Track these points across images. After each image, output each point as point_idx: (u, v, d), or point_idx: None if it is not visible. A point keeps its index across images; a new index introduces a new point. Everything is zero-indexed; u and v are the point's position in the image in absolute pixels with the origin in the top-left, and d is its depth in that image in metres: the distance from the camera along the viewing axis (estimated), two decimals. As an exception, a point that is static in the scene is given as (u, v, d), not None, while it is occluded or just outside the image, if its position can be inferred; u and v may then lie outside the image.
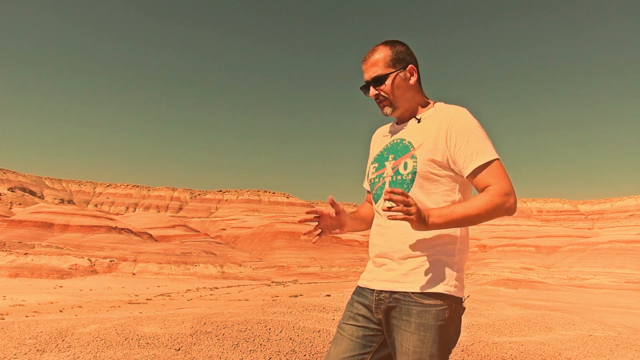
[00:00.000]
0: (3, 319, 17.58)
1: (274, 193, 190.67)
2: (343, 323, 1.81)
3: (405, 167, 1.74)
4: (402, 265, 1.71)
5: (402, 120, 1.85)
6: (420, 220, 1.55)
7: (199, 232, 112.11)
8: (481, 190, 1.66)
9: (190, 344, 4.58)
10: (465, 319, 6.01)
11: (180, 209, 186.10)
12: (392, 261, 1.73)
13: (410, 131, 1.79)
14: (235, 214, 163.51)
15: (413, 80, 1.80)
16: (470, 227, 1.76)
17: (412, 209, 1.53)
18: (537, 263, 79.28)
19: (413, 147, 1.74)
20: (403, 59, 1.79)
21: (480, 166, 1.66)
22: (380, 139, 1.93)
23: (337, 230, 1.87)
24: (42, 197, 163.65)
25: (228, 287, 62.88)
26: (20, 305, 39.41)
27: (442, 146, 1.70)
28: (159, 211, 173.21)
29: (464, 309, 1.72)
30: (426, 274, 1.67)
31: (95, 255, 68.32)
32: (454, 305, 1.67)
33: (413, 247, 1.69)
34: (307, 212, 1.84)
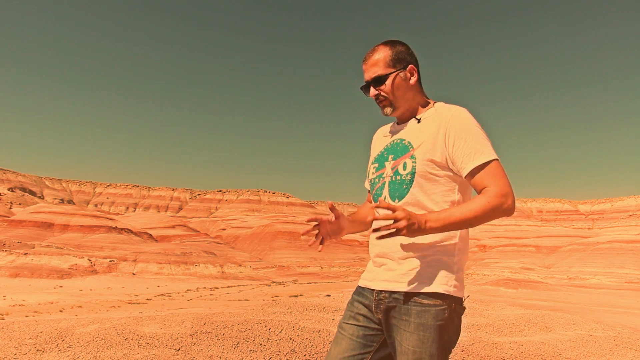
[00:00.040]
0: (3, 319, 17.57)
1: (274, 193, 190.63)
2: (343, 322, 1.81)
3: (404, 168, 1.74)
4: (401, 265, 1.70)
5: (402, 120, 1.85)
6: (413, 231, 1.55)
7: (199, 232, 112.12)
8: (479, 191, 1.65)
9: (190, 344, 4.58)
10: (465, 319, 6.01)
11: (180, 209, 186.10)
12: (392, 261, 1.73)
13: (410, 131, 1.79)
14: (235, 214, 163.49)
15: (413, 80, 1.80)
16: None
17: (401, 224, 1.52)
18: (537, 263, 79.28)
19: (412, 147, 1.74)
20: (403, 59, 1.79)
21: (478, 166, 1.65)
22: (381, 139, 1.93)
23: (337, 236, 1.87)
24: (42, 197, 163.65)
25: (228, 287, 62.89)
26: (20, 305, 39.41)
27: (441, 146, 1.70)
28: (159, 211, 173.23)
29: (464, 308, 1.72)
30: (426, 274, 1.67)
31: (95, 255, 68.32)
32: (453, 305, 1.67)
33: (413, 247, 1.69)
34: (308, 221, 1.84)
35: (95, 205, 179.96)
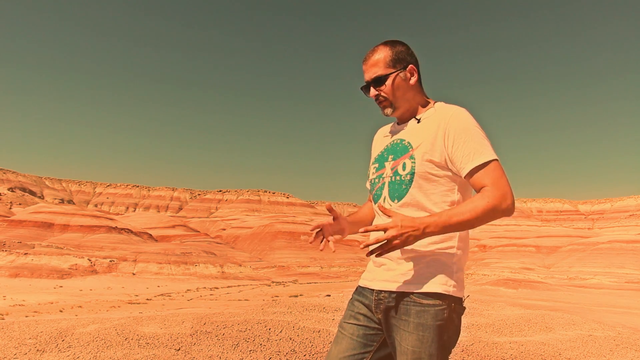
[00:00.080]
0: (3, 319, 17.57)
1: (274, 193, 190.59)
2: (344, 322, 1.82)
3: (403, 168, 1.73)
4: (401, 265, 1.70)
5: (402, 121, 1.85)
6: (410, 243, 1.57)
7: (199, 232, 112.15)
8: (478, 191, 1.65)
9: (190, 344, 4.58)
10: (465, 319, 6.01)
11: (180, 209, 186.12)
12: (391, 261, 1.72)
13: (409, 131, 1.79)
14: (235, 214, 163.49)
15: (413, 80, 1.79)
16: (469, 227, 1.75)
17: (394, 242, 1.55)
18: (537, 263, 79.29)
19: (412, 148, 1.74)
20: (403, 59, 1.79)
21: (477, 167, 1.64)
22: (381, 139, 1.93)
23: (339, 237, 1.88)
24: (42, 197, 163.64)
25: (228, 287, 62.89)
26: (20, 305, 39.42)
27: (440, 146, 1.69)
28: (159, 211, 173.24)
29: (464, 308, 1.71)
30: (425, 273, 1.67)
31: (95, 255, 68.33)
32: (453, 305, 1.67)
33: (412, 247, 1.68)
34: (311, 230, 1.85)
35: (95, 205, 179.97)
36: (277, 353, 4.50)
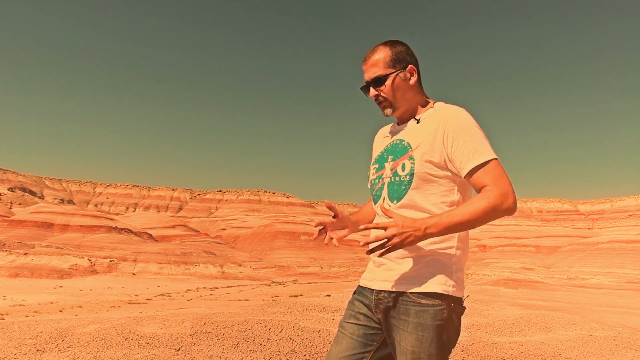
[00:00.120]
0: (3, 319, 17.57)
1: (274, 193, 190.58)
2: (344, 321, 1.82)
3: (403, 169, 1.73)
4: (400, 265, 1.70)
5: (402, 121, 1.85)
6: (410, 243, 1.57)
7: (199, 232, 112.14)
8: (479, 191, 1.64)
9: (190, 344, 4.58)
10: (465, 319, 6.01)
11: (180, 209, 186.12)
12: (391, 261, 1.73)
13: (409, 132, 1.79)
14: (235, 214, 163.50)
15: (413, 80, 1.79)
16: (469, 227, 1.74)
17: (394, 241, 1.56)
18: (537, 263, 79.29)
19: (411, 148, 1.73)
20: (403, 59, 1.78)
21: (477, 166, 1.64)
22: (381, 140, 1.93)
23: (345, 233, 1.87)
24: (42, 197, 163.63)
25: (228, 287, 62.88)
26: (20, 305, 39.41)
27: (440, 147, 1.69)
28: (159, 211, 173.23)
29: (464, 308, 1.71)
30: (424, 273, 1.67)
31: (95, 255, 68.32)
32: (452, 305, 1.66)
33: (412, 247, 1.68)
34: (315, 226, 1.85)
35: (95, 205, 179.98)
36: (277, 353, 4.50)
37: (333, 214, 1.86)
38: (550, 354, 5.29)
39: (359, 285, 1.85)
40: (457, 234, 1.70)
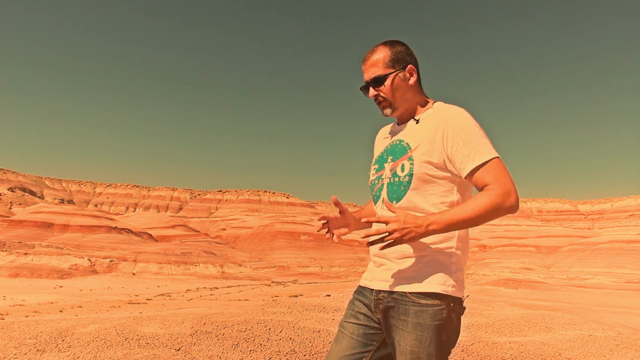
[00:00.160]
0: (3, 319, 17.57)
1: (274, 193, 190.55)
2: (344, 321, 1.82)
3: (402, 169, 1.73)
4: (400, 265, 1.70)
5: (402, 121, 1.85)
6: (411, 239, 1.57)
7: (199, 232, 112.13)
8: (481, 189, 1.63)
9: (190, 344, 4.58)
10: (465, 319, 6.01)
11: (180, 209, 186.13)
12: (391, 261, 1.73)
13: (408, 132, 1.78)
14: (235, 214, 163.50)
15: (412, 80, 1.79)
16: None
17: (394, 236, 1.56)
18: (537, 263, 79.28)
19: (410, 149, 1.73)
20: (402, 59, 1.78)
21: (478, 166, 1.63)
22: (382, 140, 1.93)
23: (345, 231, 1.88)
24: (42, 197, 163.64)
25: (228, 287, 62.87)
26: (20, 305, 39.41)
27: (439, 147, 1.69)
28: (159, 211, 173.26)
29: (463, 308, 1.71)
30: (424, 273, 1.67)
31: (95, 255, 68.31)
32: (452, 305, 1.66)
33: (411, 247, 1.68)
34: (319, 220, 1.86)
35: (95, 205, 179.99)
36: (277, 353, 4.50)
37: (339, 210, 1.87)
38: (550, 354, 5.29)
39: (359, 285, 1.85)
40: (457, 234, 1.70)
